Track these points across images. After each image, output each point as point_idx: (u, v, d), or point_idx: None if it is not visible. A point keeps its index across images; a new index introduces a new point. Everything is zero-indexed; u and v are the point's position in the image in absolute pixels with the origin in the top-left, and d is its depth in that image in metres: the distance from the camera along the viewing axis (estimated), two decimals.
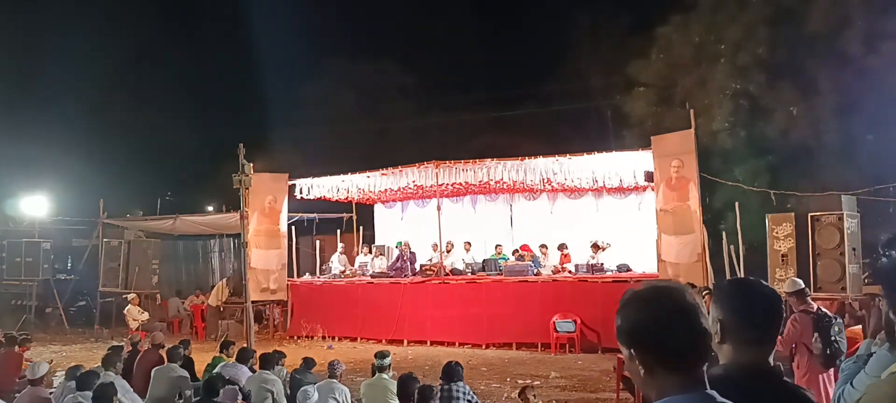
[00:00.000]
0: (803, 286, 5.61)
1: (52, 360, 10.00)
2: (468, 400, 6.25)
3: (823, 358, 4.98)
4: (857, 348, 6.22)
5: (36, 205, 19.48)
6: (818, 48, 13.67)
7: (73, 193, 21.86)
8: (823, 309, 5.60)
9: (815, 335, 5.00)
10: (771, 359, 1.89)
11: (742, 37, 14.07)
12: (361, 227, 18.53)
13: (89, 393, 5.93)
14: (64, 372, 8.54)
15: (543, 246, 14.76)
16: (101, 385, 5.87)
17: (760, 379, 1.80)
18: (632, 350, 1.53)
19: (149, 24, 29.32)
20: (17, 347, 9.39)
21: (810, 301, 5.50)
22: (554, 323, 12.46)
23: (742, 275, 11.63)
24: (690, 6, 15.27)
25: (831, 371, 5.09)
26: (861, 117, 13.16)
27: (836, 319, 5.26)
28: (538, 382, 9.67)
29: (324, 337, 14.86)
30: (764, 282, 2.00)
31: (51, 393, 7.28)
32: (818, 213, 9.79)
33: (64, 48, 25.09)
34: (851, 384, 2.50)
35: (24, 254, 17.35)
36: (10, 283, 17.63)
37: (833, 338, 5.01)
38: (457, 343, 13.49)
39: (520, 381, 9.95)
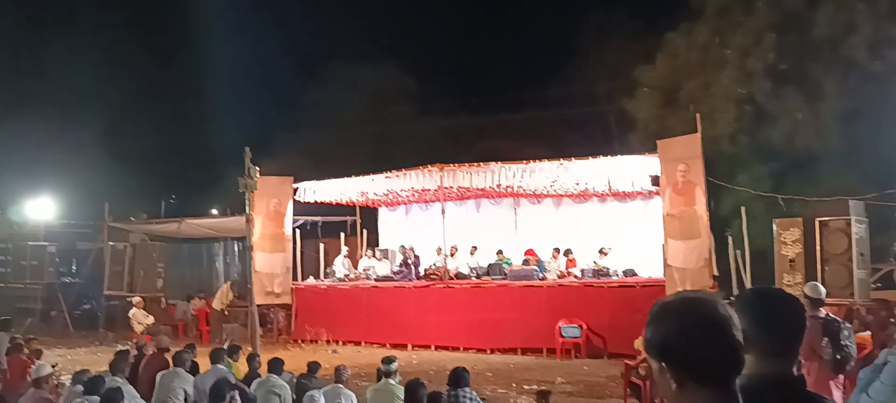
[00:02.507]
0: (823, 296, 5.58)
1: (56, 364, 9.97)
2: None
3: (834, 364, 4.94)
4: (866, 354, 6.19)
5: (41, 209, 19.54)
6: (824, 54, 13.65)
7: (77, 197, 21.94)
8: (831, 315, 5.57)
9: (825, 340, 4.96)
10: (794, 369, 1.87)
11: (748, 42, 14.04)
12: (365, 231, 18.52)
13: (96, 398, 5.92)
14: (70, 376, 8.52)
15: (556, 249, 14.70)
16: (109, 390, 5.86)
17: (785, 390, 1.78)
18: (662, 364, 1.49)
19: (153, 29, 29.43)
20: (25, 353, 9.38)
21: (821, 308, 5.47)
22: (559, 327, 12.42)
23: (748, 281, 11.63)
24: (696, 11, 15.25)
25: (841, 376, 5.05)
26: (867, 123, 13.14)
27: (844, 324, 5.21)
28: (543, 387, 9.63)
29: (328, 341, 14.83)
30: (786, 291, 1.98)
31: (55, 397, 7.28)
32: (826, 218, 9.76)
33: (69, 53, 25.18)
34: (867, 393, 2.48)
35: (29, 258, 17.39)
36: (16, 287, 17.67)
37: (843, 343, 4.96)
38: (461, 348, 13.48)
39: (526, 387, 9.95)
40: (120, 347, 11.46)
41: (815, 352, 4.92)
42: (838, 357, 5.00)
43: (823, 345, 5.02)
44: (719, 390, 1.47)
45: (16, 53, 27.24)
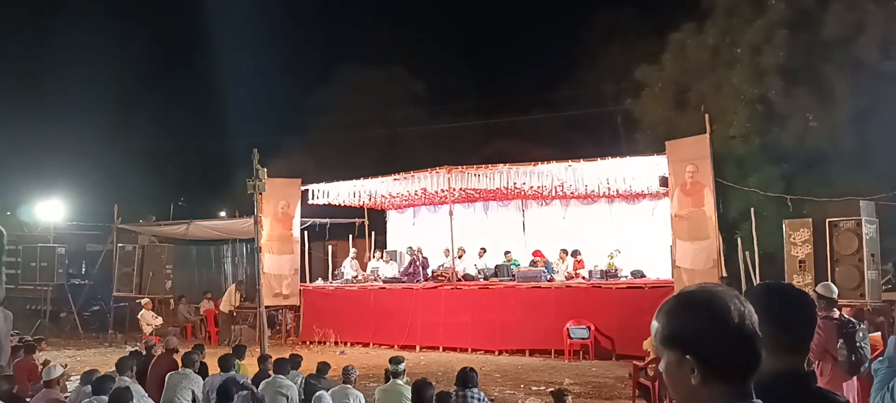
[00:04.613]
0: (836, 296, 5.53)
1: (66, 364, 10.01)
2: None
3: (848, 365, 4.89)
4: (878, 355, 6.13)
5: (51, 210, 19.62)
6: (834, 53, 13.55)
7: (87, 198, 22.03)
8: (846, 316, 5.53)
9: (840, 341, 4.91)
10: (805, 365, 1.85)
11: (759, 39, 13.95)
12: (373, 232, 18.53)
13: (105, 398, 5.94)
14: (79, 377, 8.56)
15: (564, 251, 14.66)
16: (118, 390, 5.87)
17: (797, 387, 1.76)
18: (686, 356, 1.45)
19: (162, 32, 29.55)
20: (23, 352, 9.40)
21: (835, 309, 5.43)
22: (567, 329, 12.39)
23: (757, 282, 11.55)
24: (706, 10, 15.17)
25: (855, 378, 5.00)
26: (877, 123, 13.03)
27: (860, 325, 5.16)
28: (551, 388, 9.60)
29: (336, 343, 14.86)
30: (796, 286, 1.95)
31: (66, 398, 7.31)
32: (836, 219, 9.69)
33: (79, 55, 25.30)
34: (888, 389, 2.44)
35: (39, 259, 17.46)
36: (26, 288, 17.74)
37: (858, 344, 4.91)
38: (469, 349, 13.47)
39: (534, 388, 9.92)
40: (130, 348, 11.54)
41: (827, 353, 4.88)
42: (853, 358, 4.94)
43: (838, 347, 4.97)
44: (739, 385, 1.44)
45: (25, 55, 27.42)
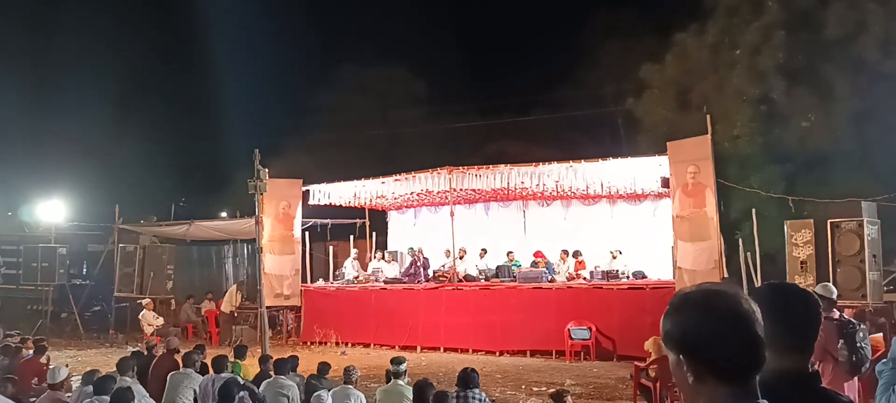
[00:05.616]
0: (835, 296, 5.53)
1: (67, 365, 10.02)
2: None
3: (849, 366, 4.88)
4: (879, 356, 6.14)
5: (52, 211, 19.64)
6: (834, 54, 13.54)
7: (88, 199, 22.06)
8: (846, 316, 5.53)
9: (841, 342, 4.91)
10: (809, 365, 1.84)
11: (758, 40, 13.95)
12: (375, 233, 18.53)
13: (107, 398, 5.94)
14: (80, 377, 8.56)
15: (565, 251, 14.64)
16: (119, 390, 5.87)
17: (801, 387, 1.75)
18: (680, 357, 1.46)
19: (163, 33, 29.59)
20: (34, 353, 9.41)
21: (835, 309, 5.43)
22: (569, 330, 12.38)
23: (759, 283, 11.54)
24: (707, 11, 15.17)
25: (855, 379, 5.00)
26: (879, 123, 13.03)
27: (860, 325, 5.16)
28: (552, 389, 9.58)
29: (337, 343, 14.85)
30: (801, 286, 1.95)
31: (68, 398, 7.31)
32: (838, 220, 9.69)
33: (80, 55, 25.35)
34: (893, 391, 2.44)
35: (40, 259, 17.45)
36: (27, 288, 17.76)
37: (859, 345, 4.91)
38: (470, 350, 13.46)
39: (535, 388, 9.92)
40: (131, 348, 11.54)
41: (828, 353, 4.88)
42: (854, 359, 4.94)
43: (839, 347, 4.97)
44: (740, 386, 1.44)
45: (27, 56, 27.45)
